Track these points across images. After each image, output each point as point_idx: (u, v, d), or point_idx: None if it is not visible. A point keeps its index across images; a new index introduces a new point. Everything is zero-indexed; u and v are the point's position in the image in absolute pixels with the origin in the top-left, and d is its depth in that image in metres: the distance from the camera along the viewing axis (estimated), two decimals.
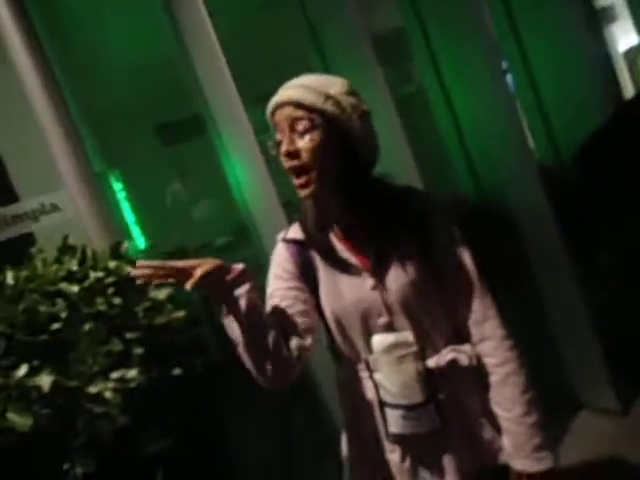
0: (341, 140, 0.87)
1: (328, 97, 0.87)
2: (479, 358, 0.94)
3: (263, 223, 1.61)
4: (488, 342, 0.94)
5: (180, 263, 0.78)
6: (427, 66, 2.17)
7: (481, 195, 2.07)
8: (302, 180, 0.88)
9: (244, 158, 1.62)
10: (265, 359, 0.85)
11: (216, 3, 1.70)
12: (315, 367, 1.56)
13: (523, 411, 0.91)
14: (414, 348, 0.91)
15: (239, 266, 0.83)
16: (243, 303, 0.82)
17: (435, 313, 0.94)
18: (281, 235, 1.01)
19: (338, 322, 0.95)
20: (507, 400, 0.92)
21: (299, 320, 0.91)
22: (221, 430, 1.64)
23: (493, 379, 0.94)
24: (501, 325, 0.94)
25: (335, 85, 0.88)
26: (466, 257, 0.96)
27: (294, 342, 0.89)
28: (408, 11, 2.13)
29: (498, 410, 0.94)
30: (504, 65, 2.39)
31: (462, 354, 0.93)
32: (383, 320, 0.92)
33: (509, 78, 2.45)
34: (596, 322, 1.93)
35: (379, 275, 0.92)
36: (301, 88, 0.88)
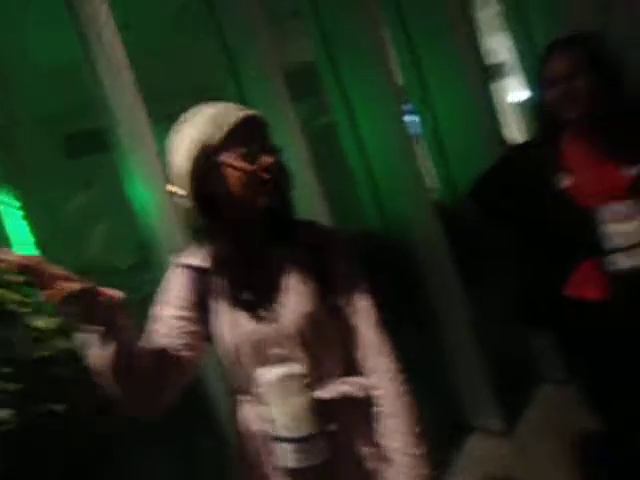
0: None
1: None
2: (369, 390, 0.96)
3: (165, 245, 1.55)
4: (380, 375, 0.96)
5: (51, 268, 0.72)
6: (338, 101, 2.25)
7: (386, 230, 2.16)
8: (273, 186, 0.89)
9: (147, 177, 1.56)
10: (136, 390, 0.84)
11: (128, 18, 1.64)
12: (220, 397, 1.51)
13: (411, 443, 0.93)
14: (306, 380, 0.92)
15: (115, 292, 0.79)
16: (119, 330, 0.79)
17: (329, 345, 0.96)
18: (177, 259, 0.98)
19: (233, 353, 0.94)
20: (395, 432, 0.94)
21: (180, 353, 0.90)
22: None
23: (383, 411, 0.95)
24: (394, 359, 0.97)
25: None
26: (363, 290, 0.99)
27: (171, 374, 0.89)
28: (319, 46, 2.21)
29: (385, 441, 0.95)
30: (411, 107, 2.56)
31: (353, 386, 0.95)
32: (277, 351, 0.92)
33: (416, 119, 2.62)
34: (484, 351, 2.08)
35: (276, 306, 0.93)
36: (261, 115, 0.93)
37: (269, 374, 0.92)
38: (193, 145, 0.87)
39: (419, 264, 2.08)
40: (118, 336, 0.78)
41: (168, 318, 0.92)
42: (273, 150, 0.92)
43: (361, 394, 0.95)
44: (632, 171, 1.28)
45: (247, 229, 0.94)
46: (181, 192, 0.90)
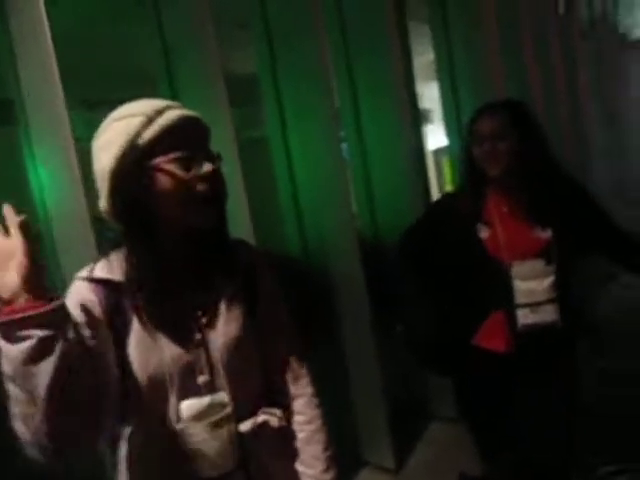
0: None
1: None
2: (289, 420, 0.93)
3: (64, 238, 1.40)
4: (300, 399, 0.94)
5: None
6: (273, 116, 2.22)
7: (306, 256, 2.15)
8: (213, 209, 0.80)
9: (55, 161, 1.40)
10: (76, 419, 0.68)
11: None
12: None
13: (324, 468, 0.93)
14: (229, 410, 0.84)
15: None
16: (66, 340, 0.66)
17: (253, 372, 0.90)
18: (85, 272, 0.82)
19: (149, 381, 0.80)
20: (311, 457, 0.93)
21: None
22: None
23: (300, 436, 0.93)
24: (312, 383, 0.96)
25: None
26: (285, 316, 0.97)
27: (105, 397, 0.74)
28: (264, 59, 2.18)
29: (301, 467, 0.93)
30: (342, 133, 2.60)
31: (273, 417, 0.89)
32: (203, 379, 0.83)
33: (344, 146, 2.67)
34: (386, 389, 2.12)
35: (205, 330, 0.84)
36: (202, 119, 0.82)
37: (192, 407, 0.82)
38: (121, 142, 0.76)
39: (335, 294, 2.08)
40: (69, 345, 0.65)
41: None
42: (213, 158, 0.80)
43: (280, 424, 0.90)
44: (545, 234, 1.38)
45: (174, 243, 0.82)
46: (102, 193, 0.79)
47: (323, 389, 0.99)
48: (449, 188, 3.80)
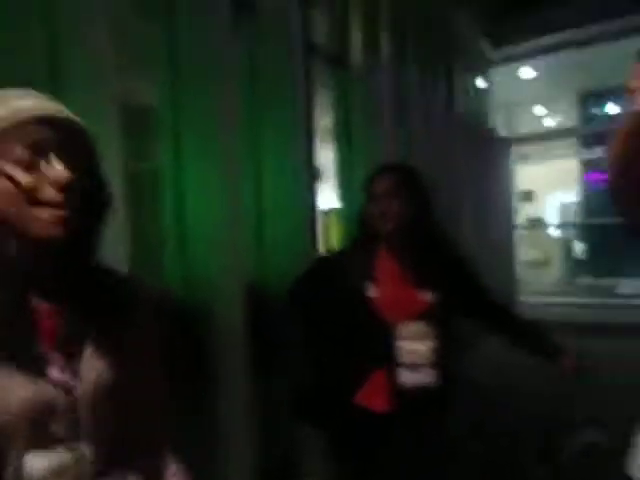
0: (95, 194, 0.74)
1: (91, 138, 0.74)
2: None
3: None
4: (165, 460, 0.84)
5: None
6: (168, 150, 2.14)
7: (187, 295, 2.03)
8: (65, 212, 0.66)
9: None
10: None
11: None
12: None
13: None
14: (89, 466, 0.70)
15: None
16: None
17: (119, 424, 0.76)
18: None
19: None
20: None
21: None
22: None
23: None
24: (172, 448, 0.86)
25: None
26: (158, 364, 0.86)
27: None
28: (165, 93, 2.12)
29: None
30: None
31: (133, 476, 0.77)
32: (55, 428, 0.68)
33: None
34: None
35: (68, 368, 0.70)
36: (74, 119, 0.71)
37: (47, 461, 0.67)
38: None
39: (213, 339, 1.97)
40: None
41: None
42: (82, 166, 0.69)
43: None
44: (426, 296, 1.46)
45: (32, 261, 0.70)
46: None
47: (190, 442, 0.91)
48: (335, 247, 3.94)
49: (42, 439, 0.67)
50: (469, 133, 5.71)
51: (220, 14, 2.07)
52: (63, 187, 0.66)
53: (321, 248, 2.81)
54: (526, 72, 8.77)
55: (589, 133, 10.35)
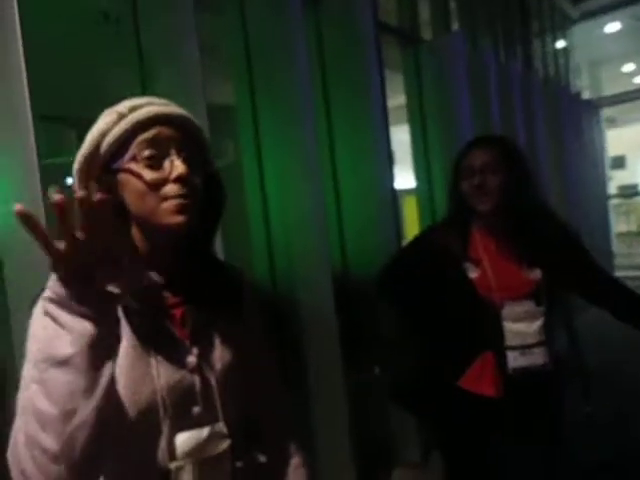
0: (213, 191, 0.78)
1: (207, 140, 0.79)
2: (277, 458, 0.87)
3: (22, 253, 1.27)
4: (290, 440, 0.89)
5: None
6: (249, 146, 2.18)
7: (274, 283, 2.08)
8: (186, 202, 0.71)
9: (16, 175, 1.30)
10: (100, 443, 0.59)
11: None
12: None
13: None
14: (227, 443, 0.76)
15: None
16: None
17: (246, 403, 0.83)
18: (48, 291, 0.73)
19: (139, 413, 0.69)
20: None
21: None
22: None
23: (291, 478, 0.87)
24: (297, 430, 0.92)
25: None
26: (270, 349, 0.91)
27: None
28: (243, 90, 2.16)
29: None
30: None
31: (262, 455, 0.84)
32: (197, 410, 0.74)
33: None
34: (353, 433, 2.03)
35: (201, 353, 0.76)
36: (190, 118, 0.76)
37: (187, 441, 0.72)
38: (90, 139, 0.72)
39: (303, 329, 2.00)
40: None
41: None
42: (198, 162, 0.73)
43: (278, 463, 0.85)
44: (535, 274, 1.37)
45: (159, 251, 0.76)
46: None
47: None
48: (414, 229, 3.86)
49: (186, 420, 0.73)
50: (552, 99, 5.33)
51: (288, 3, 2.06)
52: (183, 181, 0.70)
53: (403, 230, 2.76)
54: (611, 26, 8.02)
55: None
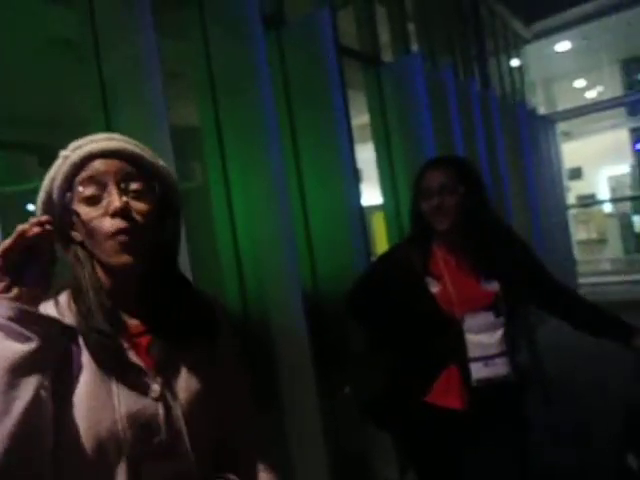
0: (167, 213, 0.78)
1: (160, 164, 0.78)
2: None
3: None
4: (261, 465, 0.86)
5: None
6: (215, 168, 2.18)
7: (245, 306, 2.07)
8: (128, 239, 0.70)
9: None
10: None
11: None
12: None
13: None
14: (194, 474, 0.74)
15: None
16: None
17: (212, 433, 0.81)
18: None
19: (97, 446, 0.68)
20: None
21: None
22: None
23: None
24: (268, 450, 0.89)
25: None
26: (244, 373, 0.90)
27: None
28: (207, 111, 2.17)
29: None
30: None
31: None
32: (160, 440, 0.72)
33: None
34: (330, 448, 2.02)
35: (165, 382, 0.75)
36: (137, 146, 0.76)
37: (157, 473, 0.71)
38: (44, 185, 0.74)
39: (276, 350, 2.00)
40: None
41: None
42: (139, 193, 0.73)
43: None
44: (493, 287, 1.42)
45: (120, 283, 0.77)
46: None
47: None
48: (382, 244, 3.91)
49: (148, 450, 0.71)
50: (510, 115, 5.54)
51: (250, 26, 2.10)
52: (116, 214, 0.70)
53: (374, 246, 2.79)
54: (562, 45, 8.43)
55: (635, 100, 9.81)
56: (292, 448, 2.02)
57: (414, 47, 4.09)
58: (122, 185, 0.72)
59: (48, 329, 0.62)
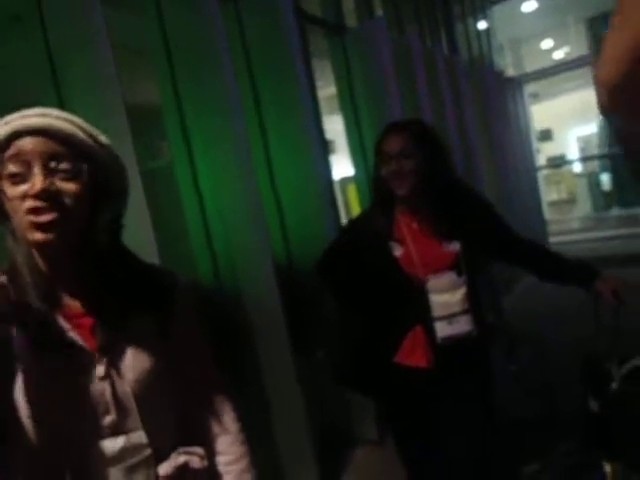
0: (103, 194, 0.75)
1: (99, 142, 0.75)
2: (211, 459, 0.86)
3: None
4: (224, 437, 0.88)
5: None
6: (178, 145, 2.15)
7: (218, 281, 2.07)
8: (44, 218, 0.69)
9: None
10: None
11: None
12: None
13: None
14: (147, 452, 0.76)
15: None
16: None
17: (169, 408, 0.83)
18: None
19: (39, 426, 0.69)
20: None
21: None
22: None
23: (226, 478, 0.87)
24: (237, 419, 0.90)
25: (99, 132, 0.76)
26: (205, 345, 0.91)
27: None
28: (167, 88, 2.12)
29: None
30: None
31: (194, 457, 0.82)
32: (109, 419, 0.73)
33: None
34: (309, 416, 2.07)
35: (111, 361, 0.75)
36: (71, 124, 0.72)
37: (106, 449, 0.72)
38: None
39: (249, 321, 2.02)
40: None
41: None
42: (68, 173, 0.70)
43: (202, 465, 0.82)
44: (454, 247, 1.45)
45: (71, 266, 0.76)
46: None
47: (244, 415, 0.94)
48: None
49: (99, 430, 0.73)
50: (478, 78, 5.54)
51: None
52: (37, 195, 0.68)
53: (343, 217, 2.81)
54: (528, 5, 8.41)
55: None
56: (272, 416, 2.06)
57: (379, 12, 4.03)
58: (52, 164, 0.70)
59: None
